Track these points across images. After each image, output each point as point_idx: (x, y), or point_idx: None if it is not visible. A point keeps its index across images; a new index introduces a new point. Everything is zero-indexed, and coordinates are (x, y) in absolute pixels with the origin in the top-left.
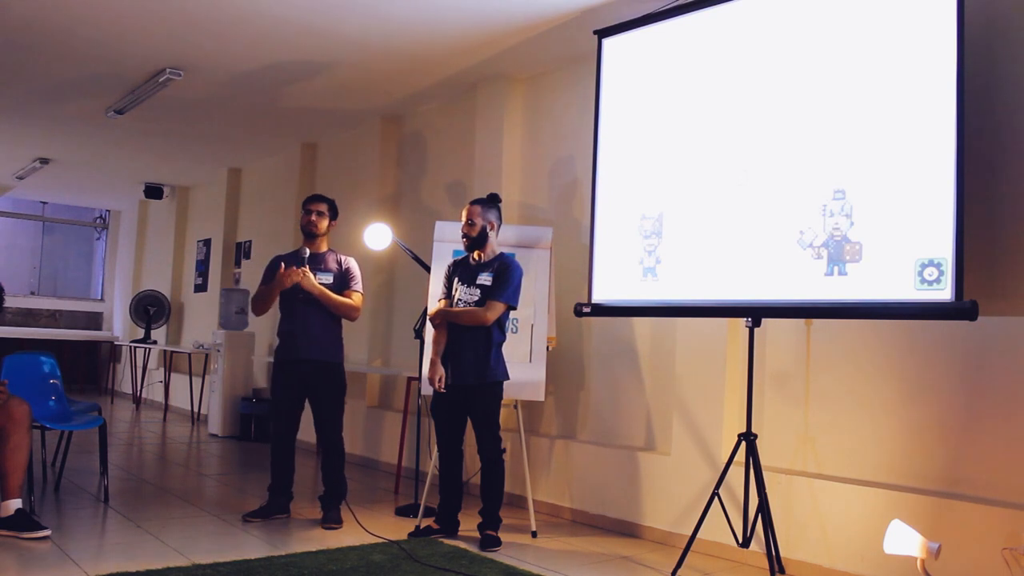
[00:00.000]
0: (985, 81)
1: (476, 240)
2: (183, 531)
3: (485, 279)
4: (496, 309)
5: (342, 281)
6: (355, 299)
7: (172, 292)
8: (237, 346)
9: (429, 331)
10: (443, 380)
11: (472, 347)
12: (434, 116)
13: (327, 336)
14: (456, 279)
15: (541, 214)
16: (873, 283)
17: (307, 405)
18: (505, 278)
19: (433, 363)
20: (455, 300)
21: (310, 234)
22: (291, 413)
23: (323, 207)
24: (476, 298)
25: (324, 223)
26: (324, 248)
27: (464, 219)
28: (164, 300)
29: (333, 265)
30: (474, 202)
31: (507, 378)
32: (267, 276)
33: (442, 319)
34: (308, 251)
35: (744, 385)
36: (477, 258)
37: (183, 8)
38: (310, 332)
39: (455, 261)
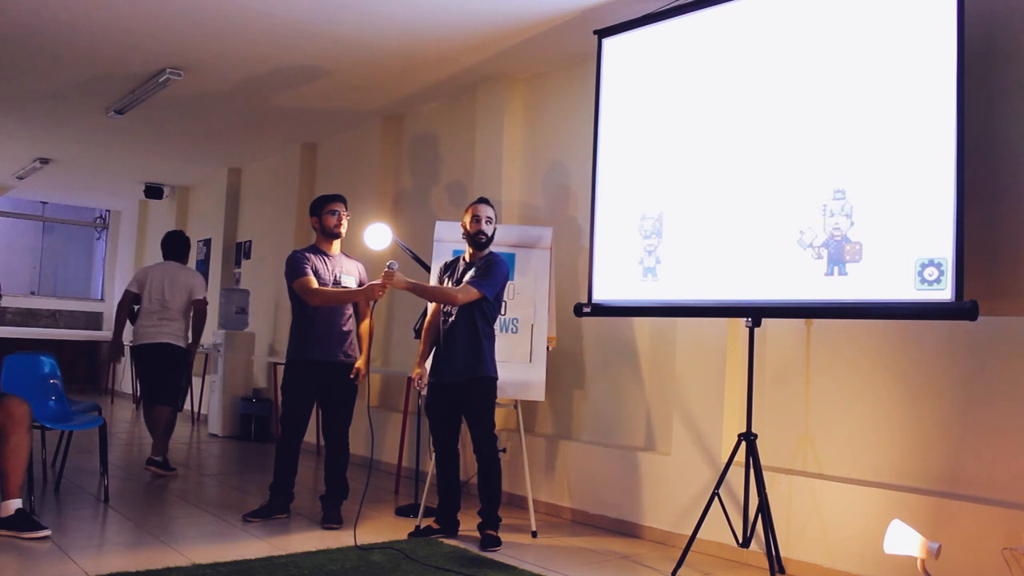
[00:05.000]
0: (985, 81)
1: (490, 239)
2: (183, 531)
3: (471, 277)
4: (468, 292)
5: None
6: (369, 315)
7: None
8: (237, 346)
9: None
10: (423, 379)
11: (462, 344)
12: (434, 116)
13: (346, 338)
14: (446, 278)
15: (541, 214)
16: (873, 283)
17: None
18: (485, 270)
19: (417, 363)
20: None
21: (335, 235)
22: (304, 414)
23: (344, 206)
24: None
25: (346, 223)
26: (340, 250)
27: (482, 216)
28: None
29: (353, 269)
30: (485, 201)
31: (497, 375)
32: (303, 268)
33: (410, 289)
34: (339, 253)
35: (744, 385)
36: (468, 259)
37: (183, 8)
38: (332, 333)
39: (446, 263)
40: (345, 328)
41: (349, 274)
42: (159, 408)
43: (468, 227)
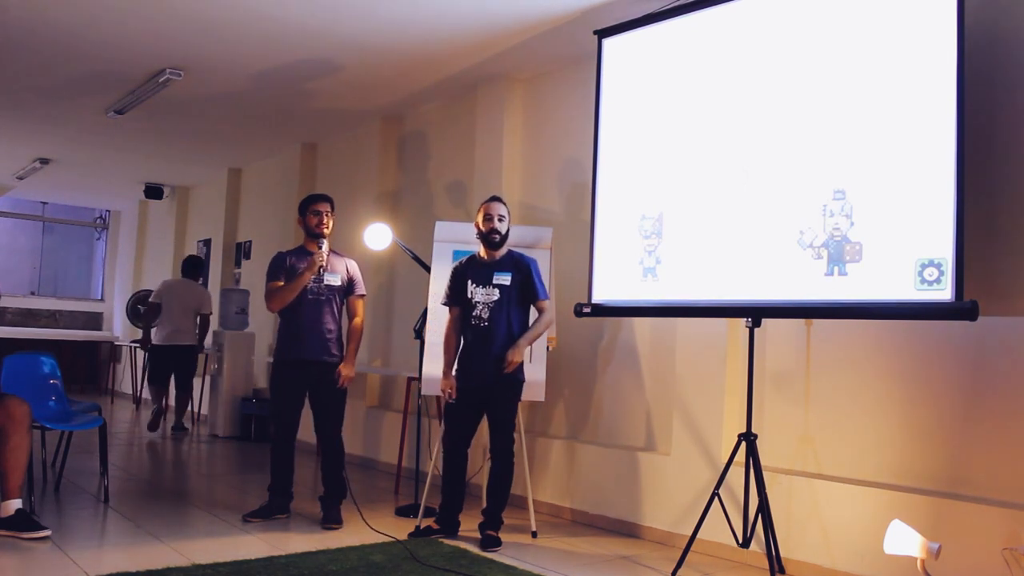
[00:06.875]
0: (985, 81)
1: (504, 237)
2: (183, 531)
3: (503, 279)
4: (551, 307)
5: (349, 286)
6: (361, 313)
7: None
8: (237, 346)
9: (429, 332)
10: (454, 390)
11: (497, 348)
12: (434, 116)
13: (332, 336)
14: (469, 280)
15: (541, 214)
16: (873, 283)
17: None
18: (534, 276)
19: (445, 375)
20: (472, 301)
21: (317, 235)
22: (293, 413)
23: (329, 206)
24: (496, 298)
25: (331, 223)
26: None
27: (494, 215)
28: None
29: (339, 267)
30: (498, 199)
31: (524, 378)
32: (275, 273)
33: (531, 342)
34: (325, 243)
35: (744, 385)
36: (488, 257)
37: (183, 8)
38: (315, 332)
39: (463, 263)
40: (329, 327)
41: (335, 271)
42: (179, 393)
43: (481, 226)
